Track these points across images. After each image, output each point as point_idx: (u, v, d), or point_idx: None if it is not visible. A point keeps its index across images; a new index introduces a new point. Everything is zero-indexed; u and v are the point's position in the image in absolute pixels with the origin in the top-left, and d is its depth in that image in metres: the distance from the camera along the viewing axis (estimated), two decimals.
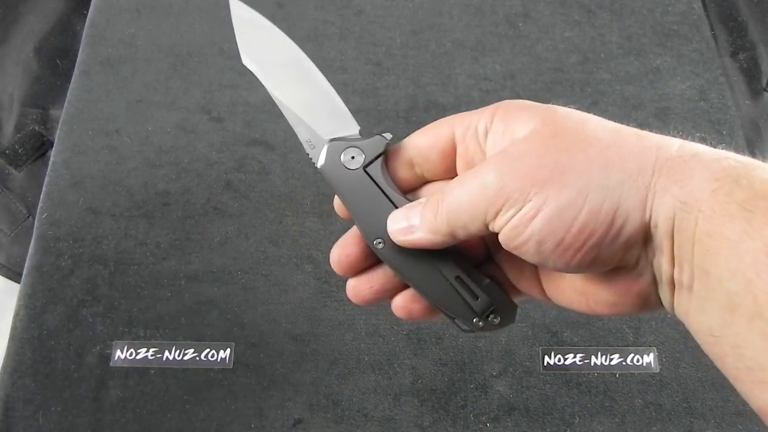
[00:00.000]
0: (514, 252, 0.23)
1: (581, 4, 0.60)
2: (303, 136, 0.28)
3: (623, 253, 0.22)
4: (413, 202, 0.26)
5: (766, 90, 0.60)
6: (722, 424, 0.43)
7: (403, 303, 0.28)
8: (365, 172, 0.27)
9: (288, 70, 0.29)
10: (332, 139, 0.28)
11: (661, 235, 0.21)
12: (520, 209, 0.22)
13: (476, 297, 0.27)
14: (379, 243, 0.27)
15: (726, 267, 0.20)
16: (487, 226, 0.23)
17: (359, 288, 0.29)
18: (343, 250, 0.28)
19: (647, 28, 0.59)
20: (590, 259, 0.22)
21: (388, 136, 0.28)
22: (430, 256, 0.27)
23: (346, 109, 0.29)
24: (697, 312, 0.21)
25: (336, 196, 0.28)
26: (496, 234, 0.23)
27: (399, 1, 0.59)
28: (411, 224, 0.26)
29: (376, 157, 0.27)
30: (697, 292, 0.21)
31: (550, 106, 0.24)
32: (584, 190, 0.21)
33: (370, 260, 0.28)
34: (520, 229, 0.22)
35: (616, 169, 0.21)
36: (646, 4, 0.60)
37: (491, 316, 0.28)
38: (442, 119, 0.27)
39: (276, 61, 0.29)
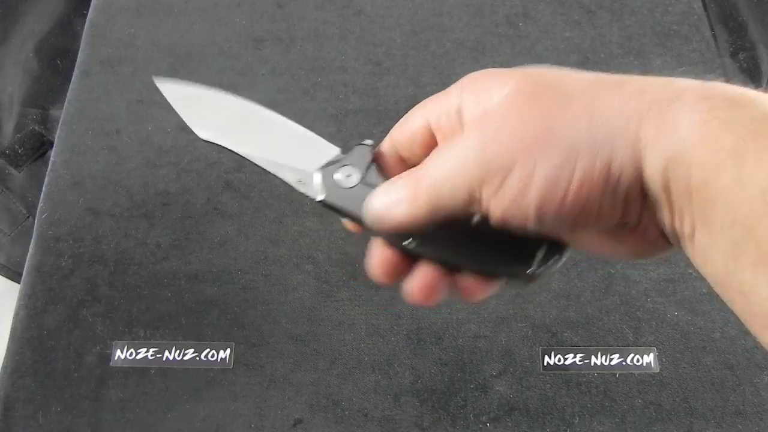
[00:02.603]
0: (514, 228, 0.23)
1: (581, 4, 0.60)
2: (290, 178, 0.28)
3: (623, 210, 0.22)
4: (393, 178, 0.25)
5: (766, 90, 0.60)
6: (722, 424, 0.43)
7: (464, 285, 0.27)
8: (365, 184, 0.27)
9: (245, 125, 0.28)
10: (320, 168, 0.27)
11: (657, 188, 0.21)
12: (508, 178, 0.21)
13: (521, 249, 0.26)
14: (410, 242, 0.26)
15: (725, 216, 0.19)
16: (471, 203, 0.22)
17: (419, 290, 0.27)
18: (382, 259, 0.27)
19: (647, 28, 0.59)
20: (593, 218, 0.21)
21: (369, 142, 0.27)
22: (462, 233, 0.26)
23: (317, 136, 0.28)
24: (702, 260, 0.21)
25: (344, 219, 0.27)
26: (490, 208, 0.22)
27: (399, 1, 0.59)
28: (390, 199, 0.24)
29: (369, 166, 0.27)
30: (699, 242, 0.20)
31: (522, 67, 0.23)
32: (575, 148, 0.20)
33: (409, 258, 0.27)
34: (518, 200, 0.21)
35: (603, 122, 0.20)
36: (646, 4, 0.60)
37: (545, 259, 0.26)
38: (413, 109, 0.26)
39: (230, 121, 0.28)
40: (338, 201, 0.27)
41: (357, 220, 0.27)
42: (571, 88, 0.22)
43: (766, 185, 0.18)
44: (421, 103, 0.26)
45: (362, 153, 0.27)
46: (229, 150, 0.28)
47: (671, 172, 0.20)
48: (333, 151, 0.28)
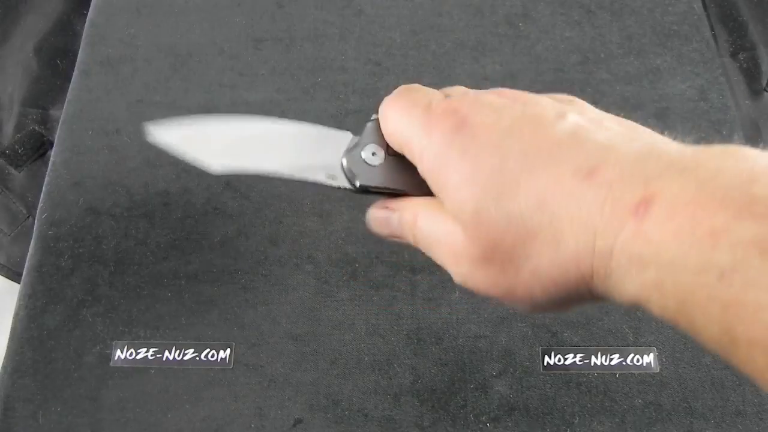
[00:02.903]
0: None
1: (581, 4, 0.60)
2: (319, 176, 0.27)
3: None
4: (388, 204, 0.27)
5: (766, 90, 0.60)
6: (722, 424, 0.43)
7: None
8: (392, 155, 0.27)
9: (251, 142, 0.28)
10: (345, 156, 0.27)
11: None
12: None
13: None
14: None
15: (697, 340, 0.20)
16: None
17: None
18: None
19: (647, 28, 0.59)
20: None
21: (375, 116, 0.27)
22: None
23: (329, 129, 0.28)
24: None
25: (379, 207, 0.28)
26: None
27: (399, 1, 0.59)
28: (392, 231, 0.27)
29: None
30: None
31: (473, 185, 0.24)
32: (540, 304, 0.24)
33: None
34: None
35: (556, 290, 0.23)
36: (646, 4, 0.60)
37: None
38: (383, 114, 0.27)
39: (236, 145, 0.28)
40: (374, 181, 0.27)
41: (397, 193, 0.27)
42: (522, 249, 0.23)
43: (719, 340, 0.18)
44: (386, 112, 0.26)
45: (376, 128, 0.27)
46: (248, 173, 0.27)
47: (637, 307, 0.22)
48: (346, 136, 0.28)
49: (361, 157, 0.27)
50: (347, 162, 0.27)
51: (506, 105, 0.24)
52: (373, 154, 0.27)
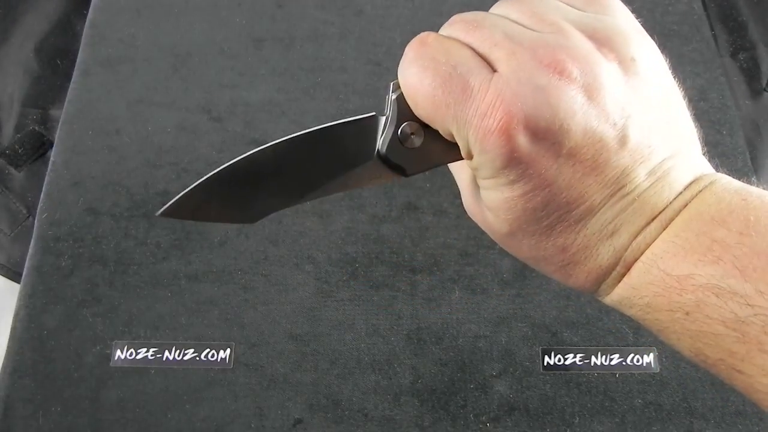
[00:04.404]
0: None
1: None
2: (366, 182, 0.24)
3: None
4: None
5: (766, 90, 0.60)
6: (722, 424, 0.43)
7: None
8: (431, 134, 0.24)
9: (279, 172, 0.25)
10: (383, 149, 0.24)
11: None
12: None
13: None
14: None
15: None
16: None
17: None
18: None
19: (647, 28, 0.58)
20: None
21: (394, 87, 0.24)
22: None
23: (346, 119, 0.25)
24: None
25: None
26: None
27: (399, 1, 0.59)
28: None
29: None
30: None
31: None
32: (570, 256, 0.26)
33: None
34: None
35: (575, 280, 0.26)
36: (646, 4, 0.60)
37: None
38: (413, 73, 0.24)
39: (266, 184, 0.25)
40: (423, 165, 0.24)
41: (447, 162, 0.25)
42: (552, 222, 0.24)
43: (694, 359, 0.24)
44: (413, 90, 0.23)
45: (400, 106, 0.23)
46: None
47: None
48: (373, 120, 0.24)
49: (400, 144, 0.23)
50: (388, 155, 0.24)
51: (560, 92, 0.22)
52: (411, 133, 0.23)
